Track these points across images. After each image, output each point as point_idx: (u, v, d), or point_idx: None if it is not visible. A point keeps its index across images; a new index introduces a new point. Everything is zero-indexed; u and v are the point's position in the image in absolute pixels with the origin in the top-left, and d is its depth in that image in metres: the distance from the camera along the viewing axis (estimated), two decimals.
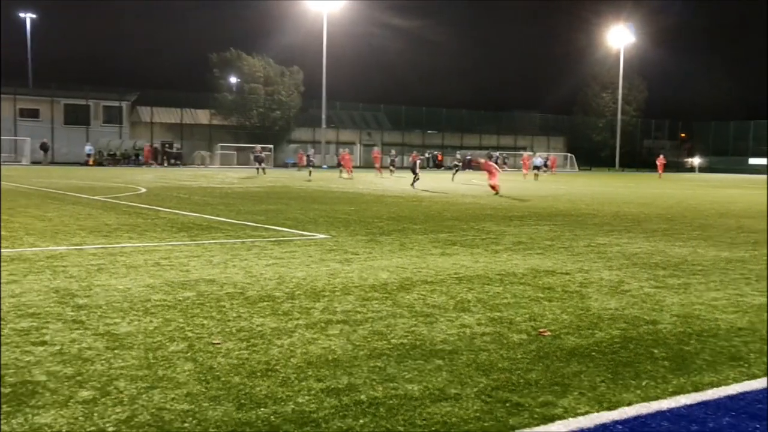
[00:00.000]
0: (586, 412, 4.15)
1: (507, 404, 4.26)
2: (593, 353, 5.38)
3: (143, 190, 26.16)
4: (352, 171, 45.54)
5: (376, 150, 51.05)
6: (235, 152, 69.54)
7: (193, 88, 74.63)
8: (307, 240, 12.05)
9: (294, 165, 62.93)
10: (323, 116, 68.57)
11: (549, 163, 60.90)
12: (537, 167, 49.42)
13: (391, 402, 4.27)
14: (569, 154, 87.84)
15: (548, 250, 11.12)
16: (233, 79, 74.60)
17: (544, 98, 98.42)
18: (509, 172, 58.92)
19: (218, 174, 46.60)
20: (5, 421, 3.88)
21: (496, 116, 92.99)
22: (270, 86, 73.48)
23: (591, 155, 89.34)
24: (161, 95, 73.33)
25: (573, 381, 4.71)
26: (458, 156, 55.42)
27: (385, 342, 5.59)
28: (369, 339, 5.67)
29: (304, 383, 4.58)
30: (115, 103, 70.30)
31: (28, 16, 75.19)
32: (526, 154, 62.00)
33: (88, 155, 61.76)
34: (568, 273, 9.00)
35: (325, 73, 67.02)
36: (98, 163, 60.62)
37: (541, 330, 6.04)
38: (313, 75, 71.45)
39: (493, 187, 27.33)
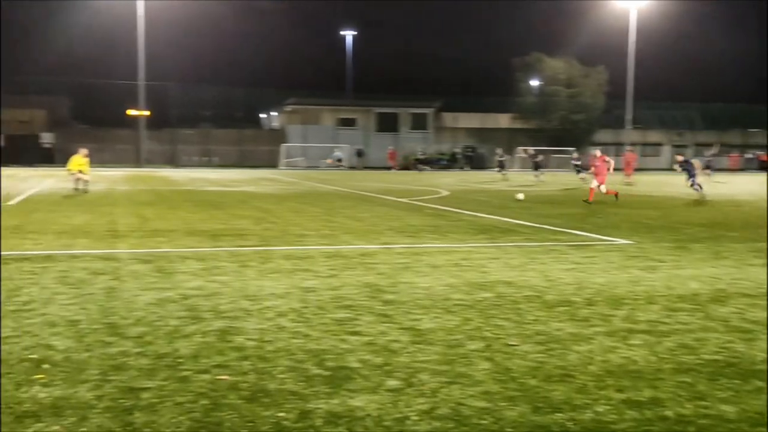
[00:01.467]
0: None
1: None
2: None
3: (445, 192, 27.23)
4: (632, 173, 41.45)
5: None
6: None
7: (494, 93, 76.17)
8: (608, 245, 11.65)
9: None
10: (628, 116, 65.80)
11: None
12: None
13: (702, 422, 3.97)
14: None
15: None
16: (534, 82, 74.65)
17: None
18: None
19: (518, 177, 46.95)
20: (325, 400, 4.28)
21: None
22: (573, 88, 72.26)
23: None
24: (463, 101, 76.05)
25: None
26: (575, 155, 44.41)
27: (694, 356, 5.21)
28: (676, 352, 5.32)
29: (603, 392, 4.44)
30: (421, 110, 74.20)
31: (349, 34, 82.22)
32: None
33: (338, 159, 65.81)
34: None
35: (631, 72, 64.28)
36: (337, 166, 63.92)
37: None
38: (617, 74, 68.91)
39: (603, 192, 21.36)
